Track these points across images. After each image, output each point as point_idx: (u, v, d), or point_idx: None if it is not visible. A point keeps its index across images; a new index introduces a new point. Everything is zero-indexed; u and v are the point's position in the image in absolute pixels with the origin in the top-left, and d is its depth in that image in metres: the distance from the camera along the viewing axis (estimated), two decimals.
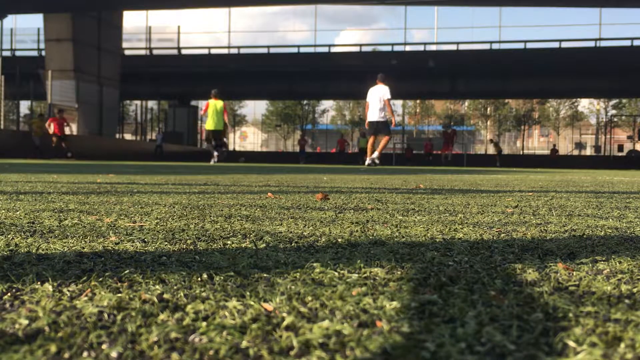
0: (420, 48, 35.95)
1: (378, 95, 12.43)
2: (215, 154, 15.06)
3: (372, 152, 12.58)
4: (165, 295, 0.81)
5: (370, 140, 12.74)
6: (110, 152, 25.00)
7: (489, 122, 50.26)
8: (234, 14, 60.71)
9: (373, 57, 34.40)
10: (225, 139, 15.81)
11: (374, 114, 12.43)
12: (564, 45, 31.70)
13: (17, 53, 34.16)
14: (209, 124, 14.77)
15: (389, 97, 12.40)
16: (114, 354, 0.58)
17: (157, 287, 0.86)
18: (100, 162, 13.68)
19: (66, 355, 0.58)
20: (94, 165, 10.14)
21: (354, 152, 34.34)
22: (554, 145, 39.85)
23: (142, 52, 36.04)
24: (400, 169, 13.46)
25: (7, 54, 32.78)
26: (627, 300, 0.81)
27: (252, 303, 0.77)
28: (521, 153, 43.26)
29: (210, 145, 15.28)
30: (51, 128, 19.87)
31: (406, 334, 0.65)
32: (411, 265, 1.06)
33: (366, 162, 12.76)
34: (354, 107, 54.20)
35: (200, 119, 41.49)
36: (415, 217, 1.94)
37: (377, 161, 12.61)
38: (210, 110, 14.69)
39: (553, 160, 34.01)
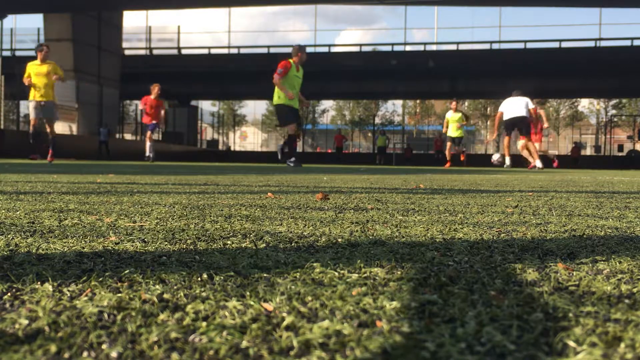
0: (420, 48, 36.01)
1: (524, 102, 12.71)
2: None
3: (509, 153, 13.28)
4: (165, 295, 0.81)
5: (506, 141, 13.37)
6: (111, 152, 25.00)
7: (489, 122, 50.27)
8: (234, 14, 60.72)
9: (373, 57, 34.41)
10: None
11: (519, 111, 12.60)
12: (564, 45, 31.73)
13: (17, 53, 34.17)
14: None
15: (534, 106, 13.09)
16: (114, 354, 0.58)
17: (157, 287, 0.86)
18: (100, 162, 13.68)
19: (66, 355, 0.58)
20: (94, 165, 10.13)
21: (356, 152, 34.03)
22: (575, 143, 35.73)
23: (142, 52, 36.07)
24: (400, 169, 13.47)
25: (7, 54, 32.80)
26: (627, 300, 0.81)
27: (252, 303, 0.77)
28: None
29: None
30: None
31: (406, 334, 0.65)
32: (411, 265, 1.06)
33: (537, 165, 13.12)
34: (354, 107, 54.21)
35: (202, 118, 41.44)
36: (415, 217, 1.94)
37: (539, 165, 13.08)
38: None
39: (574, 160, 31.46)
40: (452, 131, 16.20)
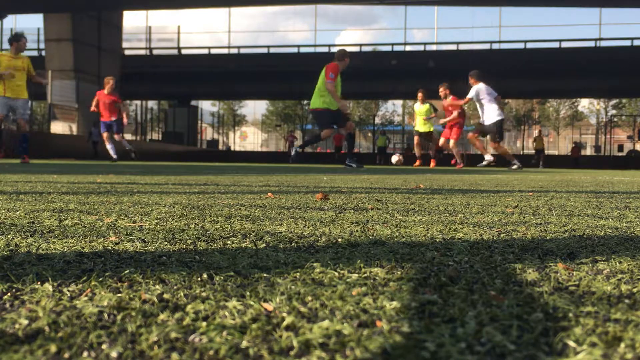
0: (420, 48, 35.99)
1: (497, 97, 11.57)
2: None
3: (487, 151, 11.98)
4: (165, 295, 0.81)
5: (479, 143, 12.03)
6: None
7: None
8: (234, 14, 60.74)
9: (373, 57, 34.39)
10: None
11: (498, 112, 11.52)
12: (564, 45, 31.71)
13: None
14: None
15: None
16: (114, 354, 0.58)
17: (157, 287, 0.86)
18: (100, 162, 13.67)
19: (66, 355, 0.58)
20: (93, 165, 10.14)
21: (356, 152, 33.99)
22: (575, 143, 34.52)
23: (142, 52, 36.03)
24: (400, 169, 13.46)
25: None
26: (627, 300, 0.81)
27: (252, 303, 0.77)
28: (521, 153, 43.20)
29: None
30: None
31: (406, 334, 0.65)
32: (411, 265, 1.06)
33: (514, 166, 12.05)
34: (354, 107, 54.18)
35: (202, 118, 41.42)
36: (415, 217, 1.94)
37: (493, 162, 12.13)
38: None
39: (575, 160, 30.83)
40: (420, 125, 14.24)
